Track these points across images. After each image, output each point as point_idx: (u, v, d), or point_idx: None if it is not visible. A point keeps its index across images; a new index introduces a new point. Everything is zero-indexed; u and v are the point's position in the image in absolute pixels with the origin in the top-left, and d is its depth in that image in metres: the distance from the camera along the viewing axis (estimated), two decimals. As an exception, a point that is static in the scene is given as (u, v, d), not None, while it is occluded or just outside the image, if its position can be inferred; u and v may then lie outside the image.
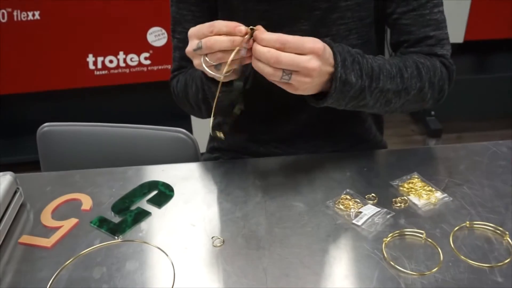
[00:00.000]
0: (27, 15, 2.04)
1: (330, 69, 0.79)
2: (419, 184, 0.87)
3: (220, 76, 0.77)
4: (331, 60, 0.79)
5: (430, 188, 0.86)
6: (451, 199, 0.84)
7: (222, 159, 1.17)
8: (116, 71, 2.23)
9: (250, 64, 0.77)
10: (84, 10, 2.06)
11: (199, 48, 0.75)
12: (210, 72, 0.77)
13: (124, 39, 2.16)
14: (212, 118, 0.82)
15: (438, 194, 0.85)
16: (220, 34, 0.74)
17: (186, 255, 0.75)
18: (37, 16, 2.05)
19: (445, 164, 0.94)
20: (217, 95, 0.80)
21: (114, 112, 2.44)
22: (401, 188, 0.87)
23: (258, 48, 0.74)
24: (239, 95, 0.88)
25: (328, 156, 0.97)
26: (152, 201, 0.86)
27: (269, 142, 1.12)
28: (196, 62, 0.78)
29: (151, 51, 2.21)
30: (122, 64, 2.21)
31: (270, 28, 0.75)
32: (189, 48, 0.77)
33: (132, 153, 1.03)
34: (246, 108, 0.93)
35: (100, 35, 2.13)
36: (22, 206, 0.87)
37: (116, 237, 0.79)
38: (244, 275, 0.70)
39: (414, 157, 0.96)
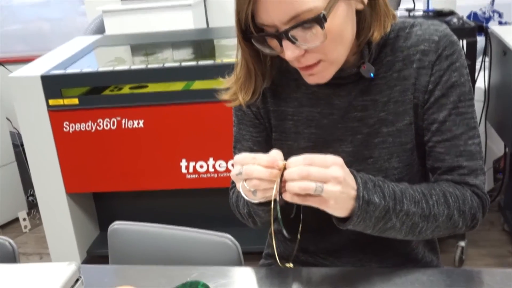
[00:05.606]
0: (133, 123, 2.34)
1: (353, 192, 0.85)
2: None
3: (254, 201, 0.87)
4: (353, 183, 0.86)
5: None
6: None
7: (275, 266, 1.23)
8: (205, 175, 2.42)
9: None
10: (181, 120, 2.32)
11: (240, 173, 0.85)
12: (245, 196, 0.88)
13: (214, 147, 2.36)
14: (275, 249, 0.91)
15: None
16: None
17: None
18: (141, 125, 2.33)
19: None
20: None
21: (196, 212, 2.60)
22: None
23: (289, 170, 0.82)
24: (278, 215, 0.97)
25: (362, 271, 1.01)
26: (189, 299, 0.95)
27: (317, 253, 1.17)
28: (237, 185, 0.89)
29: (238, 159, 2.36)
30: (211, 169, 2.40)
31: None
32: (232, 172, 0.88)
33: (184, 253, 1.14)
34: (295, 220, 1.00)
35: (193, 142, 2.36)
36: (82, 292, 1.00)
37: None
38: None
39: (447, 278, 0.97)
